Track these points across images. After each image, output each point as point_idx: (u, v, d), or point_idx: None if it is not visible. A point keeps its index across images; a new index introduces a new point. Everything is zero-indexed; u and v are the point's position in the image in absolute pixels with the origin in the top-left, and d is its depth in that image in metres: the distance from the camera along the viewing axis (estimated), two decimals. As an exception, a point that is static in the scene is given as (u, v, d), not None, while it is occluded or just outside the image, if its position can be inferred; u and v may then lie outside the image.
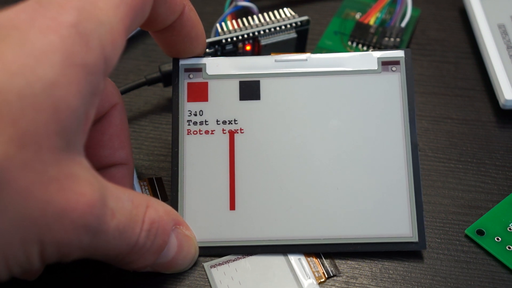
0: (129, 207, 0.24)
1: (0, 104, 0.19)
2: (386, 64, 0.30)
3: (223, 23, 0.35)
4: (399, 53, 0.31)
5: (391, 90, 0.30)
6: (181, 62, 0.31)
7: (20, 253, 0.21)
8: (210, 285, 0.28)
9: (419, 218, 0.29)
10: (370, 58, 0.31)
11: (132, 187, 0.30)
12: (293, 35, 0.35)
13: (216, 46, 0.34)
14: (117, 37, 0.23)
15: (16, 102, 0.20)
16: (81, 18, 0.21)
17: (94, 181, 0.22)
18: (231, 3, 0.37)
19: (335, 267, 0.29)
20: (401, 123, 0.30)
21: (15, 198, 0.20)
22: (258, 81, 0.30)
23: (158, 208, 0.26)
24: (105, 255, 0.24)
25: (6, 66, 0.20)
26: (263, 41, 0.34)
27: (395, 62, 0.30)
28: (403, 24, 0.39)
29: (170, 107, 0.36)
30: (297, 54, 0.31)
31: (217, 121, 0.30)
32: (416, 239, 0.29)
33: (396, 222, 0.29)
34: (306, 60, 0.31)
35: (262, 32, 0.34)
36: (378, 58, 0.31)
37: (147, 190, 0.32)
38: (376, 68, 0.30)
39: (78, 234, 0.22)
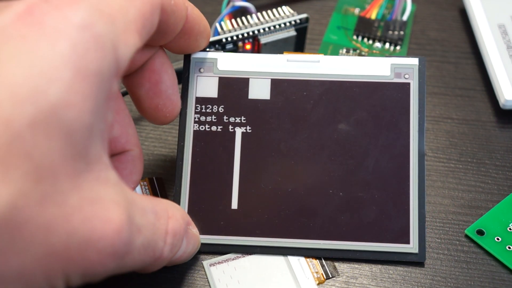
0: (153, 220, 0.23)
1: (12, 139, 0.18)
2: (399, 71, 0.30)
3: (222, 23, 0.35)
4: (413, 61, 0.30)
5: (402, 97, 0.30)
6: (193, 55, 0.30)
7: (45, 286, 0.20)
8: (209, 284, 0.28)
9: (420, 230, 0.28)
10: (383, 64, 0.30)
11: (142, 171, 0.29)
12: (292, 33, 0.35)
13: (216, 46, 0.34)
14: (130, 38, 0.22)
15: (28, 134, 0.18)
16: (93, 18, 0.20)
17: (120, 200, 0.21)
18: (228, 3, 0.37)
19: (334, 268, 0.29)
20: (410, 132, 0.29)
21: (36, 235, 0.19)
22: (269, 80, 0.30)
23: (177, 216, 0.25)
24: (128, 270, 0.23)
25: (14, 92, 0.18)
26: (263, 40, 0.34)
27: (409, 70, 0.30)
28: (405, 18, 0.39)
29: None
30: (310, 54, 0.31)
31: (225, 117, 0.30)
32: (416, 250, 0.28)
33: (398, 232, 0.29)
34: (318, 61, 0.30)
35: (261, 31, 0.34)
36: (392, 65, 0.30)
37: (147, 190, 0.32)
38: (388, 74, 0.30)
39: (105, 261, 0.21)
